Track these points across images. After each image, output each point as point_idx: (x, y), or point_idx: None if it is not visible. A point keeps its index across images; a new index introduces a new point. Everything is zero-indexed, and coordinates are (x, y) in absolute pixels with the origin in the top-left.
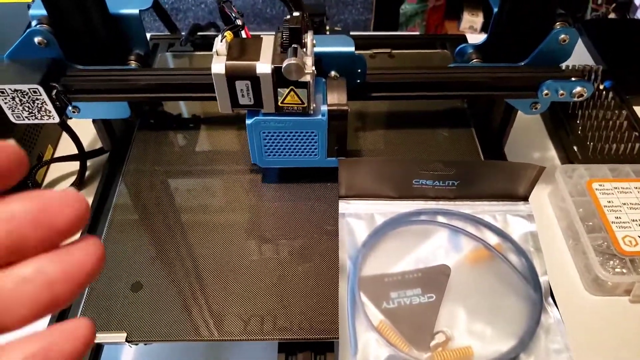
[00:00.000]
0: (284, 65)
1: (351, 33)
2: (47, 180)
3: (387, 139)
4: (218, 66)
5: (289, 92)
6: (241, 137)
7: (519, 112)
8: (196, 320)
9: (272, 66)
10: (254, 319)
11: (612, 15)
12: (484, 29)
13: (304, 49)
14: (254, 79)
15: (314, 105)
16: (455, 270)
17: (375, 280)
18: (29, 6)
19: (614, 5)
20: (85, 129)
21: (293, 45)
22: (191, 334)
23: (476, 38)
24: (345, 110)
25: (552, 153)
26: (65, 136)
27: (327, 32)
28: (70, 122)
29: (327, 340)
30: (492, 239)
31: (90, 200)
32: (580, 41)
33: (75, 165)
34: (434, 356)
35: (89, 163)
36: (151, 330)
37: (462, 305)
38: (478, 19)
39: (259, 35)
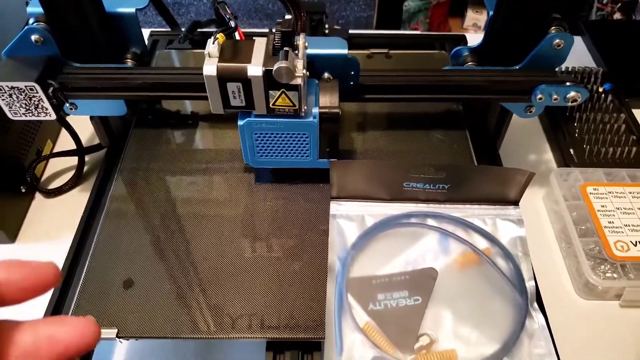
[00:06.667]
0: (274, 68)
1: (350, 31)
2: (46, 174)
3: (380, 141)
4: (209, 68)
5: (280, 95)
6: (237, 135)
7: None
8: (186, 317)
9: (263, 69)
10: (243, 318)
11: (617, 15)
12: None
13: (296, 52)
14: (245, 81)
15: (306, 107)
16: (443, 274)
17: (362, 282)
18: (27, 3)
19: (619, 5)
20: (85, 125)
21: (284, 49)
22: (180, 331)
23: (480, 36)
24: (337, 113)
25: (549, 155)
26: (64, 131)
27: (326, 30)
28: (69, 118)
29: (314, 340)
30: (481, 243)
31: (87, 196)
32: (582, 42)
33: (74, 160)
34: (417, 358)
35: (87, 158)
36: (141, 326)
37: (448, 308)
38: (482, 17)
39: (252, 37)
